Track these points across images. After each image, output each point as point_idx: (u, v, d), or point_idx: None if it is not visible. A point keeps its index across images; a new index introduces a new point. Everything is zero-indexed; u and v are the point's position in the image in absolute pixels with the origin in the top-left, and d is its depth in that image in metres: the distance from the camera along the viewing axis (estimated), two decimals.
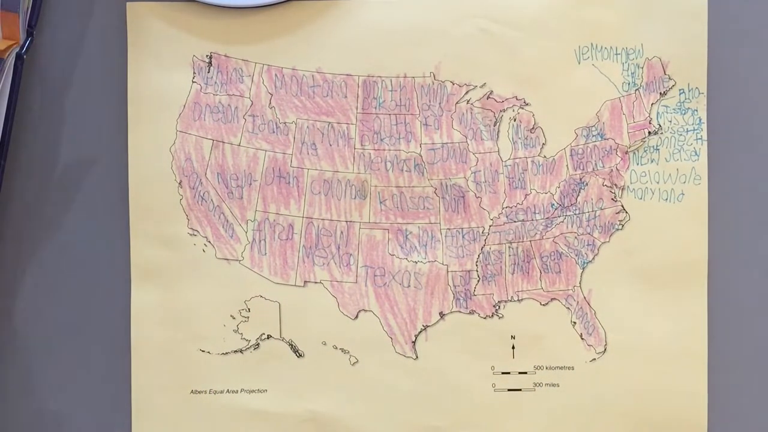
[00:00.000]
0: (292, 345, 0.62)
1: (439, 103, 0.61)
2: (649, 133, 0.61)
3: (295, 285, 0.61)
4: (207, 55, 0.61)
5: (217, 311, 0.61)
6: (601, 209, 0.61)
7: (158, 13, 0.61)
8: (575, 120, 0.61)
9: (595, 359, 0.61)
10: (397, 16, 0.61)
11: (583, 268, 0.61)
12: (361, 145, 0.61)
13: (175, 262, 0.61)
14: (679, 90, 0.61)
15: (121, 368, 0.62)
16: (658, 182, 0.61)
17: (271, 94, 0.61)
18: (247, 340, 0.62)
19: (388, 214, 0.61)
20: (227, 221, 0.61)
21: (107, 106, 0.62)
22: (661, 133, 0.61)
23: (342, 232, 0.61)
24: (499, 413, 0.61)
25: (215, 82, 0.61)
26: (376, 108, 0.61)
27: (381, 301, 0.61)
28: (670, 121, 0.61)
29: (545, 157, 0.61)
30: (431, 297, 0.61)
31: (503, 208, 0.61)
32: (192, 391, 0.62)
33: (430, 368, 0.61)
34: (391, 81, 0.61)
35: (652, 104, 0.61)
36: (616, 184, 0.61)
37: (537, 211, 0.61)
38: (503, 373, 0.61)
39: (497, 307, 0.61)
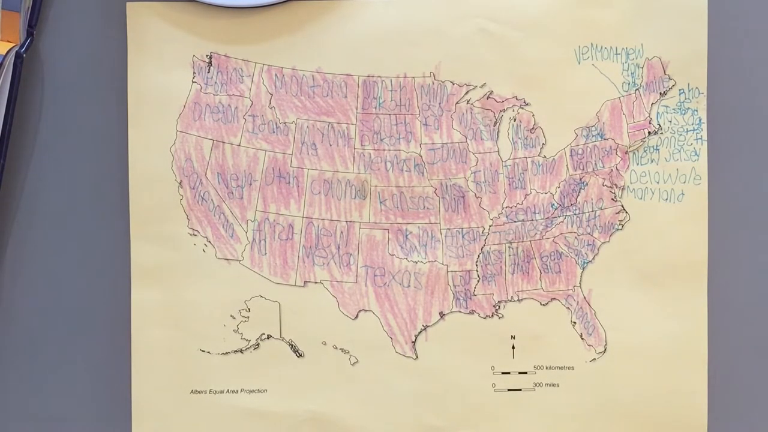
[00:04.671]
0: (292, 345, 0.62)
1: (439, 103, 0.61)
2: (649, 133, 0.61)
3: (295, 285, 0.61)
4: (207, 55, 0.61)
5: (217, 311, 0.61)
6: (601, 209, 0.61)
7: (158, 12, 0.61)
8: (575, 120, 0.61)
9: (595, 359, 0.61)
10: (397, 16, 0.61)
11: (583, 268, 0.61)
12: (361, 145, 0.61)
13: (176, 262, 0.61)
14: (679, 90, 0.61)
15: (121, 368, 0.62)
16: (658, 182, 0.61)
17: (271, 94, 0.61)
18: (247, 340, 0.62)
19: (388, 214, 0.61)
20: (227, 221, 0.61)
21: (107, 106, 0.62)
22: (661, 133, 0.61)
23: (342, 232, 0.61)
24: (499, 413, 0.61)
25: (215, 82, 0.61)
26: (376, 108, 0.61)
27: (381, 301, 0.62)
28: (670, 121, 0.61)
29: (545, 157, 0.61)
30: (431, 297, 0.61)
31: (503, 208, 0.61)
32: (192, 391, 0.62)
33: (430, 368, 0.61)
34: (391, 81, 0.61)
35: (652, 104, 0.61)
36: (616, 184, 0.61)
37: (537, 211, 0.61)
38: (503, 373, 0.61)
39: (497, 307, 0.61)
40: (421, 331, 0.62)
